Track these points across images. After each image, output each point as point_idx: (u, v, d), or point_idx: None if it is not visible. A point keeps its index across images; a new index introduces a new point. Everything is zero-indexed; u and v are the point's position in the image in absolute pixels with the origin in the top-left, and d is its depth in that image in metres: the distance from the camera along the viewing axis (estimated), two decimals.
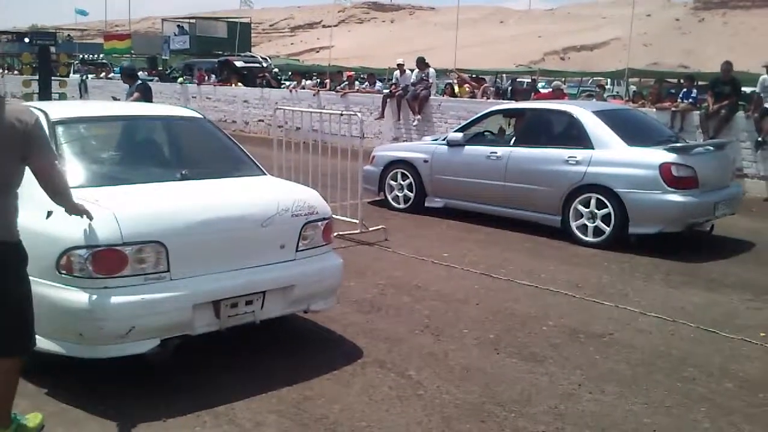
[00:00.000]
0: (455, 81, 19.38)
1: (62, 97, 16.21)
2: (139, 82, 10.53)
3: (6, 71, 34.74)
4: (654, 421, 3.87)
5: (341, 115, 8.66)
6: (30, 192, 4.18)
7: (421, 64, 16.49)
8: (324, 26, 74.04)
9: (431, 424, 3.76)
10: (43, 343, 3.81)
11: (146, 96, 9.79)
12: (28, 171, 4.26)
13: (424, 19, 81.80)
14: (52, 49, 18.14)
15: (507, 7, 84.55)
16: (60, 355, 3.83)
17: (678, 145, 8.10)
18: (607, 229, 7.70)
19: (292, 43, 76.40)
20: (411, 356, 4.64)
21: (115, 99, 9.77)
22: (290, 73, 25.97)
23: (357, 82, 20.78)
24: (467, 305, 5.76)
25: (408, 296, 5.95)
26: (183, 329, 3.95)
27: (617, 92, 26.89)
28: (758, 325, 5.41)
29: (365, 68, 30.34)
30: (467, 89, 17.75)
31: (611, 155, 7.83)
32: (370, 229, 7.99)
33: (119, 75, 10.96)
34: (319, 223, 4.56)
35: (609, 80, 29.68)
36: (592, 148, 7.96)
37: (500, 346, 4.86)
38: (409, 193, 9.60)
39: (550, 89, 16.61)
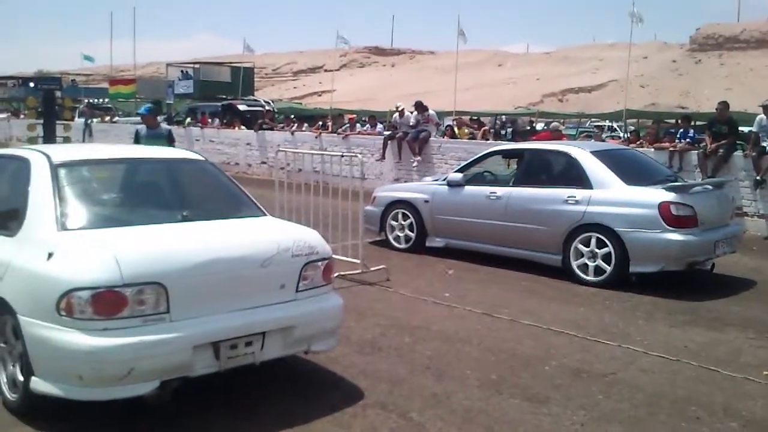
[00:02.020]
0: (454, 123, 19.61)
1: (66, 140, 16.34)
2: (167, 126, 10.49)
3: (12, 116, 35.10)
4: None
5: (342, 156, 8.73)
6: (31, 234, 4.23)
7: (420, 107, 16.68)
8: (326, 70, 74.84)
9: None
10: (41, 385, 3.81)
11: (170, 142, 9.94)
12: (29, 213, 4.31)
13: (424, 63, 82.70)
14: (57, 93, 18.35)
15: (505, 51, 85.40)
16: (58, 398, 3.81)
17: (677, 184, 8.14)
18: (608, 268, 7.70)
19: (294, 87, 77.12)
20: (413, 397, 4.60)
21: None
22: (293, 116, 26.23)
23: (358, 125, 21.00)
24: (469, 345, 5.73)
25: (409, 337, 5.92)
26: (183, 371, 3.93)
27: (615, 133, 27.07)
28: (761, 364, 5.37)
29: (366, 111, 30.59)
30: (467, 131, 17.93)
31: (610, 195, 7.86)
32: (371, 269, 7.98)
33: (143, 115, 10.72)
34: (320, 263, 4.56)
35: (607, 121, 29.93)
36: (591, 188, 8.00)
37: (503, 387, 4.82)
38: (410, 233, 9.61)
39: (548, 130, 16.76)
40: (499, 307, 6.85)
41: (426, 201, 9.47)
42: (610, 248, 7.67)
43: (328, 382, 4.90)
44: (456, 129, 18.72)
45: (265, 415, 4.26)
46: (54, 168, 4.54)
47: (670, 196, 7.62)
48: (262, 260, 4.25)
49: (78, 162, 4.91)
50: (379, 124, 20.87)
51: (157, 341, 3.78)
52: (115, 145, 7.78)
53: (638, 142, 14.60)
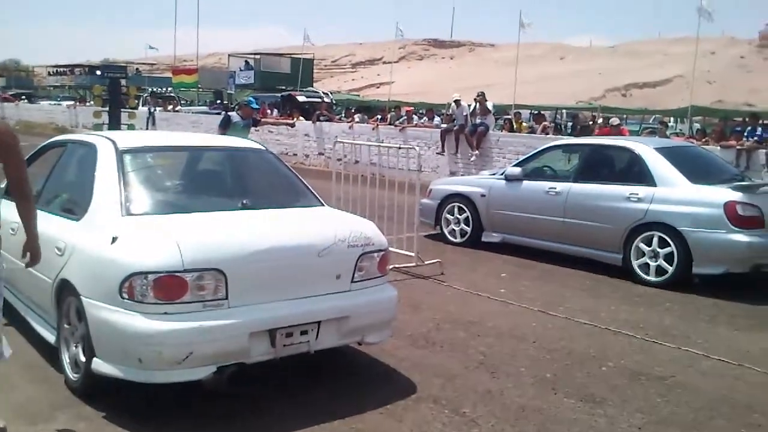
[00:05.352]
0: (514, 117, 19.41)
1: (131, 128, 16.75)
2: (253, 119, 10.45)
3: (79, 103, 36.17)
4: None
5: (399, 148, 8.71)
6: (96, 218, 4.34)
7: (482, 98, 16.60)
8: (384, 62, 74.80)
9: None
10: (102, 366, 3.91)
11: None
12: (95, 197, 4.41)
13: (484, 55, 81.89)
14: (123, 81, 18.79)
15: (567, 44, 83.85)
16: (118, 379, 3.90)
17: (744, 183, 7.89)
18: (670, 269, 7.51)
19: (353, 79, 77.31)
20: (466, 393, 4.57)
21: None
22: (353, 109, 26.34)
23: (415, 117, 20.95)
24: (524, 343, 5.66)
25: (463, 332, 5.88)
26: (239, 357, 3.98)
27: (680, 130, 26.37)
28: None
29: (424, 104, 30.48)
30: (526, 125, 17.75)
31: (674, 193, 7.66)
32: (426, 262, 7.96)
33: (248, 106, 10.44)
34: (375, 255, 4.56)
35: (672, 118, 29.14)
36: (655, 185, 7.81)
37: (558, 386, 4.75)
38: (466, 227, 9.55)
39: (608, 126, 16.49)
40: (555, 305, 6.75)
41: (483, 195, 9.38)
42: (672, 248, 7.48)
43: (381, 374, 4.91)
44: (515, 122, 18.50)
45: (317, 405, 4.28)
46: (120, 154, 4.65)
47: (737, 196, 7.38)
48: (319, 250, 4.27)
49: (143, 148, 5.00)
50: (436, 116, 20.79)
51: (215, 327, 3.83)
52: (179, 133, 7.93)
53: (704, 140, 14.23)
